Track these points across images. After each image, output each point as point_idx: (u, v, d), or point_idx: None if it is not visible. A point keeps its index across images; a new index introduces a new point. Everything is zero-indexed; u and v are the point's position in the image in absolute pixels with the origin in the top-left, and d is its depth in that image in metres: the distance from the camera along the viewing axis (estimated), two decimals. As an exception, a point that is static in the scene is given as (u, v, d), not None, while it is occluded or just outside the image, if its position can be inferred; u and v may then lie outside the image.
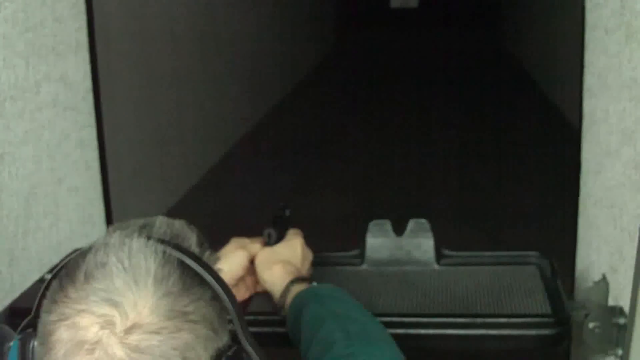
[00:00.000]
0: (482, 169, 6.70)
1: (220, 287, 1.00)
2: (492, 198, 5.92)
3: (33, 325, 1.00)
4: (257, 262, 1.63)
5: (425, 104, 9.12)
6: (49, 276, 1.70)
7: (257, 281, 1.65)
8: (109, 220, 2.17)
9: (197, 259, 1.00)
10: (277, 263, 1.61)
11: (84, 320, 0.93)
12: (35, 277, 1.79)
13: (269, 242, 1.65)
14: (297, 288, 1.52)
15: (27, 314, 1.02)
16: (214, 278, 1.00)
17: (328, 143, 7.65)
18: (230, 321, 1.02)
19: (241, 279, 1.64)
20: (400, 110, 8.92)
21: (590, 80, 1.81)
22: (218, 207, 5.65)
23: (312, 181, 6.46)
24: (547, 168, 6.03)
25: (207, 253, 1.06)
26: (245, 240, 1.66)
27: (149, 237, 0.99)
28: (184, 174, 6.19)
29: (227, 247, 1.64)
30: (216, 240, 1.57)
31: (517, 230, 5.05)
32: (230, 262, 1.59)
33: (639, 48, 1.47)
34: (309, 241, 1.71)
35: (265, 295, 1.63)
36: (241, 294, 1.63)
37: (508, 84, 10.03)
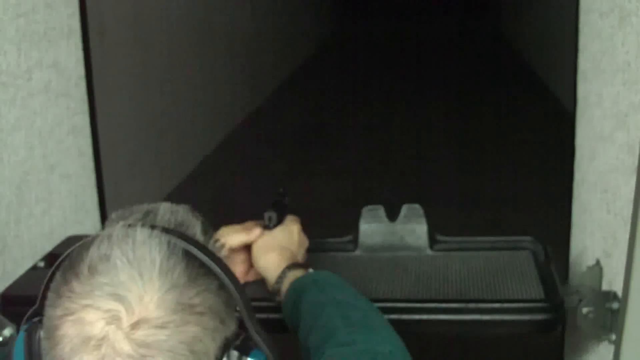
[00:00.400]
0: (477, 155, 6.70)
1: (227, 275, 0.99)
2: (488, 183, 5.92)
3: (38, 315, 0.99)
4: (255, 247, 1.62)
5: (422, 90, 9.11)
6: (41, 264, 1.71)
7: (246, 272, 1.64)
8: (102, 208, 2.16)
9: (203, 248, 0.99)
10: (274, 249, 1.60)
11: (90, 315, 0.92)
12: (27, 264, 1.78)
13: (269, 225, 1.64)
14: (294, 274, 1.51)
15: (19, 302, 1.02)
16: (220, 267, 0.99)
17: (325, 130, 7.65)
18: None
19: None
20: (397, 97, 8.91)
21: (584, 64, 1.80)
22: (215, 195, 5.65)
23: (308, 168, 6.46)
24: (542, 153, 6.04)
25: (212, 241, 1.05)
26: (232, 229, 1.64)
27: (152, 227, 0.98)
28: (181, 161, 6.18)
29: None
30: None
31: (512, 215, 5.05)
32: None
33: (632, 31, 1.47)
34: (305, 227, 1.71)
35: (258, 282, 1.62)
36: None
37: (505, 70, 10.03)
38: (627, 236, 1.43)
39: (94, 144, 2.13)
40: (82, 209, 2.09)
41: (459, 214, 4.97)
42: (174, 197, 5.51)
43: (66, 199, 2.02)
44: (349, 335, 1.29)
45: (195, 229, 1.03)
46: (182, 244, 0.97)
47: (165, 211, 1.04)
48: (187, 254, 0.97)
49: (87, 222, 2.08)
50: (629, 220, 1.42)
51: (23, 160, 1.83)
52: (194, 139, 6.50)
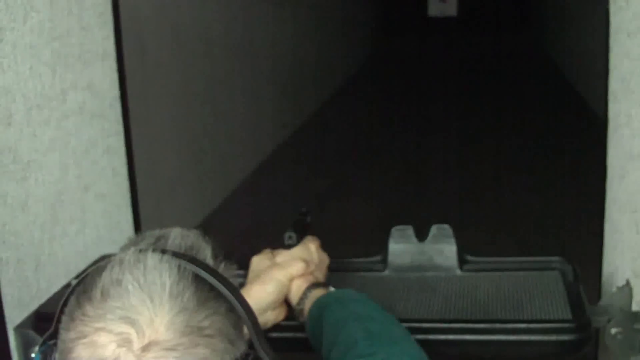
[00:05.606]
0: (513, 174, 6.68)
1: (236, 298, 1.01)
2: (519, 204, 5.90)
3: (54, 336, 1.02)
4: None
5: (460, 110, 9.10)
6: (75, 282, 1.73)
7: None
8: (137, 227, 2.18)
9: (212, 271, 1.01)
10: None
11: (102, 338, 0.94)
12: (61, 282, 1.81)
13: (288, 245, 1.64)
14: (316, 294, 1.52)
15: (52, 319, 1.04)
16: (230, 290, 1.00)
17: (364, 150, 7.66)
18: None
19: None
20: (436, 117, 8.91)
21: (614, 84, 1.80)
22: (254, 215, 5.68)
23: (347, 187, 6.48)
24: (581, 171, 6.02)
25: (222, 265, 1.07)
26: (285, 258, 1.61)
27: (163, 251, 1.00)
28: (221, 181, 6.21)
29: (271, 270, 1.58)
30: (252, 249, 1.58)
31: (543, 235, 5.03)
32: (280, 287, 1.56)
33: (659, 51, 1.46)
34: (337, 246, 1.71)
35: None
36: (283, 314, 1.61)
37: (545, 90, 9.99)
38: (655, 257, 1.42)
39: (128, 164, 2.15)
40: (116, 228, 2.11)
41: (490, 234, 4.95)
42: (214, 216, 5.56)
43: (100, 218, 2.04)
44: (368, 347, 1.30)
45: (206, 252, 1.05)
46: (192, 268, 0.99)
47: (176, 236, 1.06)
48: (197, 278, 0.99)
49: (121, 241, 2.08)
50: (657, 241, 1.42)
51: (57, 180, 1.85)
52: (234, 159, 6.53)
